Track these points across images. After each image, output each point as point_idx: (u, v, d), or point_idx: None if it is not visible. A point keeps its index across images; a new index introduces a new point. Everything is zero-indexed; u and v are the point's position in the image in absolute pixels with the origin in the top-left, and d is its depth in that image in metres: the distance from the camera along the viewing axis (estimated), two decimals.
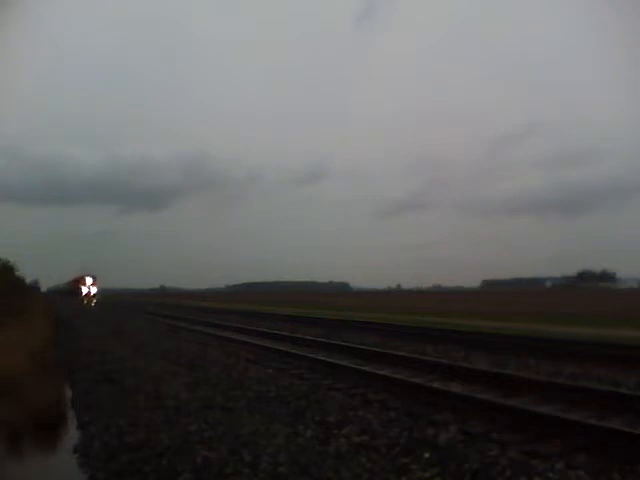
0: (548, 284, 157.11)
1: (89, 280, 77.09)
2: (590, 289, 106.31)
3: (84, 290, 75.09)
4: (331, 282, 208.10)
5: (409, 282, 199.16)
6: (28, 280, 45.20)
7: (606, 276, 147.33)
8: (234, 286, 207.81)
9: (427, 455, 4.78)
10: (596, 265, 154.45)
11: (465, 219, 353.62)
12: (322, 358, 10.49)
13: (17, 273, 33.22)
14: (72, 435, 7.16)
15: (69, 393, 9.74)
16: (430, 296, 72.46)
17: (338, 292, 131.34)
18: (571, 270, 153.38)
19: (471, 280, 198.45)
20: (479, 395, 6.80)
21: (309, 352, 11.59)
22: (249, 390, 7.87)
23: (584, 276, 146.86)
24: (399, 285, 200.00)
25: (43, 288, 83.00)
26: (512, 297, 56.04)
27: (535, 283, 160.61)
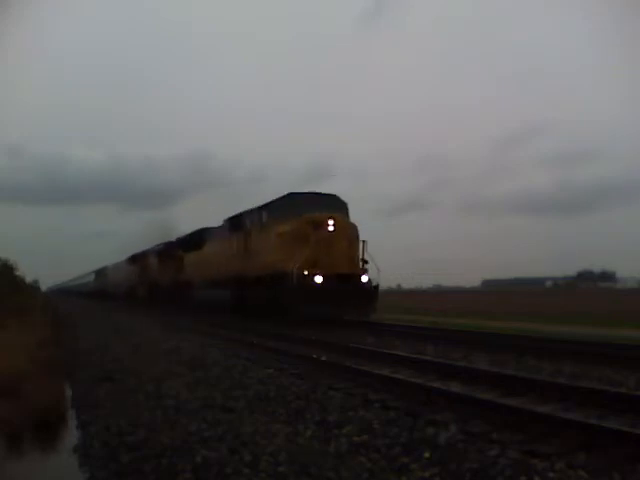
0: (548, 284, 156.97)
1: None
2: (590, 289, 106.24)
3: (317, 279, 15.72)
4: None
5: (409, 282, 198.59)
6: (28, 280, 45.25)
7: (606, 276, 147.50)
8: None
9: (427, 455, 4.79)
10: (596, 265, 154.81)
11: (466, 219, 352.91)
12: (322, 358, 10.49)
13: (17, 273, 33.31)
14: (72, 435, 7.18)
15: (69, 392, 9.75)
16: (430, 296, 72.39)
17: None
18: (571, 270, 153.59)
19: (471, 280, 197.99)
20: (479, 395, 6.80)
21: (309, 352, 11.59)
22: (249, 390, 7.88)
23: (584, 276, 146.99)
24: (399, 285, 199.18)
25: (43, 288, 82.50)
26: (512, 296, 55.99)
27: (535, 283, 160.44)
